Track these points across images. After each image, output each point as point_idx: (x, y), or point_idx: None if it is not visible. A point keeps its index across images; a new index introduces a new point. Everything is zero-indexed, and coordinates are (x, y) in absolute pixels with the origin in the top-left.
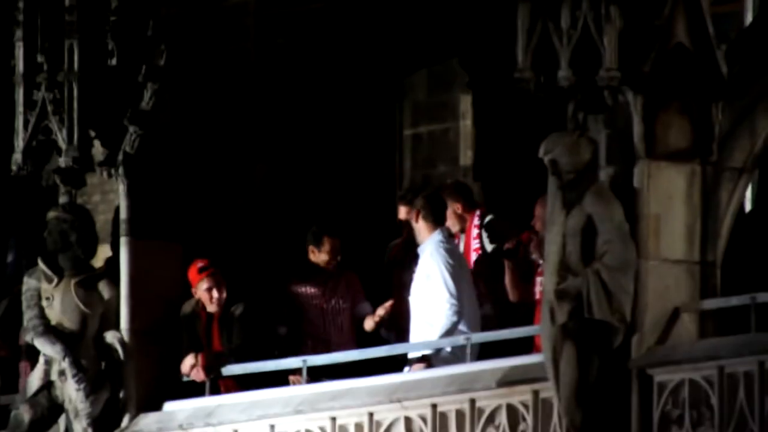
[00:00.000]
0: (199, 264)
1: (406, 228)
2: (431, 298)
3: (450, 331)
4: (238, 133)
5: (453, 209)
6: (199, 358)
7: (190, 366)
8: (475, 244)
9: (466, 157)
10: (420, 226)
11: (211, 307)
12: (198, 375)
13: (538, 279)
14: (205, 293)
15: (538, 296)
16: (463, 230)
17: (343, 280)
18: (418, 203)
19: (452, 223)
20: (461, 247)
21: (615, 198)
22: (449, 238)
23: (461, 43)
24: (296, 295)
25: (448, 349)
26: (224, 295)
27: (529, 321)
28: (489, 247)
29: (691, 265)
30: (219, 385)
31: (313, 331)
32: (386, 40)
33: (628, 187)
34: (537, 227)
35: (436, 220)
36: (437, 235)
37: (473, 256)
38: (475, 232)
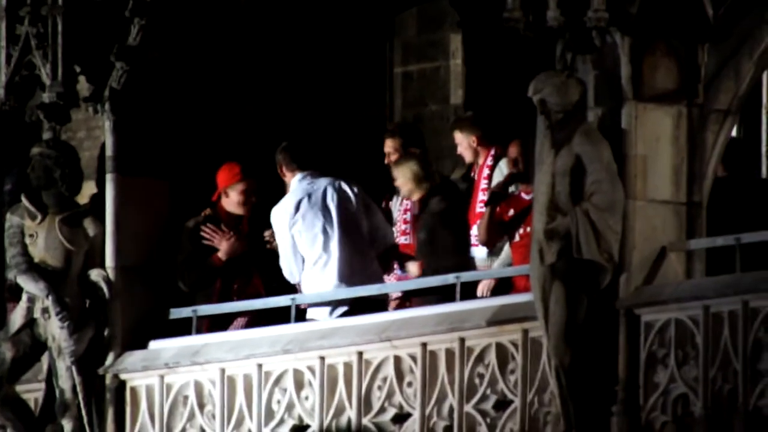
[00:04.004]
0: (237, 168)
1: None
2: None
3: None
4: (226, 70)
5: (468, 141)
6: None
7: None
8: (483, 183)
9: (456, 95)
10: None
11: (241, 210)
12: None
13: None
14: (240, 195)
15: (518, 239)
16: (475, 163)
17: None
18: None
19: (466, 155)
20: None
21: (603, 138)
22: None
23: None
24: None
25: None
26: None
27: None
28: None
29: (677, 206)
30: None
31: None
32: None
33: (616, 128)
34: (510, 168)
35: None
36: (323, 181)
37: (480, 196)
38: (486, 171)
